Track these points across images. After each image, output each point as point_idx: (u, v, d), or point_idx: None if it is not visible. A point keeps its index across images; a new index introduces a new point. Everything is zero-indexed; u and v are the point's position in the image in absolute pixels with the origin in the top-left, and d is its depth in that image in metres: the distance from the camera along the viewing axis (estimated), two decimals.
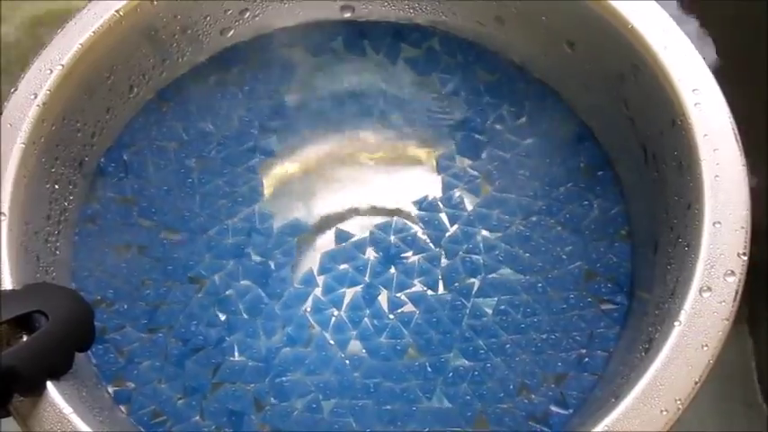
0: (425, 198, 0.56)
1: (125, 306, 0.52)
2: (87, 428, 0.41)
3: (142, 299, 0.52)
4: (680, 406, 0.40)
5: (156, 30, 0.54)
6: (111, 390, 0.50)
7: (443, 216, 0.55)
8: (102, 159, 0.56)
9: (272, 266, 0.54)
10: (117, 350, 0.51)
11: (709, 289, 0.42)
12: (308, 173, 0.57)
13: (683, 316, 0.42)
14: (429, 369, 0.50)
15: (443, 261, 0.54)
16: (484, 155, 0.57)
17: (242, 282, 0.53)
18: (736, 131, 0.46)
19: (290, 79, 0.60)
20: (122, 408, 0.49)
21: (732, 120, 0.46)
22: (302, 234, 0.55)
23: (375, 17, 0.60)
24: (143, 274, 0.53)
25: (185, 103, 0.58)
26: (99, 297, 0.52)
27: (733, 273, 0.42)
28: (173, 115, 0.58)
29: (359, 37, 0.60)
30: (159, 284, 0.53)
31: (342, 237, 0.55)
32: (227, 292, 0.52)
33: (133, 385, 0.50)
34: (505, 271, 0.53)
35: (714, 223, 0.43)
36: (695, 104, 0.46)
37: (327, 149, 0.58)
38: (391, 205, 0.56)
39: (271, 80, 0.59)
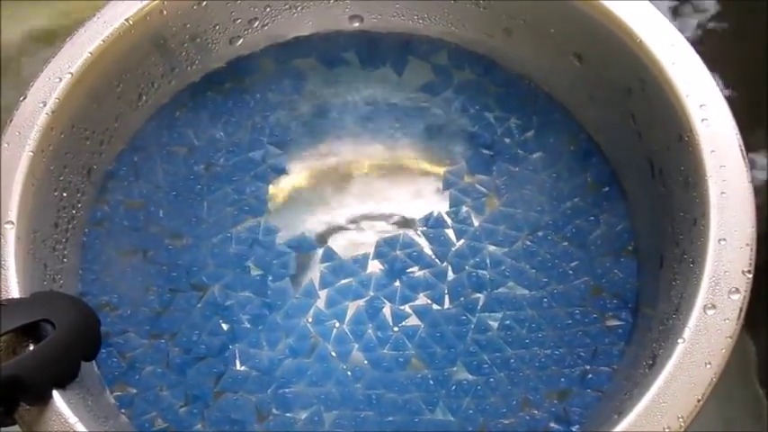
0: (432, 213, 0.56)
1: (129, 311, 0.52)
2: None
3: (146, 305, 0.53)
4: (682, 423, 0.40)
5: (166, 38, 0.54)
6: (113, 394, 0.50)
7: (450, 231, 0.55)
8: (113, 163, 0.56)
9: (271, 278, 0.54)
10: (120, 355, 0.51)
11: (714, 306, 0.42)
12: (316, 184, 0.57)
13: (686, 333, 0.42)
14: (431, 382, 0.50)
15: (449, 276, 0.54)
16: (491, 169, 0.57)
17: (243, 293, 0.53)
18: (743, 148, 0.46)
19: (301, 89, 0.60)
20: (124, 413, 0.49)
21: (739, 136, 0.46)
22: (305, 246, 0.55)
23: (384, 28, 0.60)
24: (148, 280, 0.53)
25: (198, 110, 0.58)
26: (104, 301, 0.52)
27: (737, 290, 0.42)
28: (185, 121, 0.58)
29: (369, 48, 0.60)
30: (163, 291, 0.53)
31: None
32: (228, 302, 0.53)
33: (135, 391, 0.50)
34: (511, 286, 0.53)
35: (719, 240, 0.43)
36: (702, 120, 0.46)
37: (335, 161, 0.58)
38: (398, 219, 0.56)
39: (283, 90, 0.59)
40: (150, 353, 0.51)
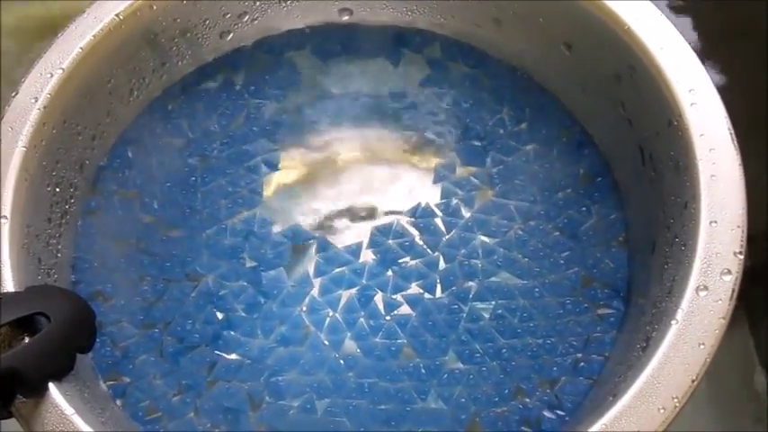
0: (425, 203, 0.56)
1: (122, 301, 0.52)
2: (89, 429, 0.41)
3: (139, 294, 0.53)
4: (677, 404, 0.40)
5: (156, 33, 0.55)
6: (106, 383, 0.50)
7: (442, 221, 0.55)
8: (107, 154, 0.56)
9: (265, 268, 0.54)
10: (113, 344, 0.51)
11: (706, 288, 0.42)
12: (310, 175, 0.58)
13: (679, 314, 0.42)
14: (423, 371, 0.50)
15: (441, 265, 0.54)
16: (484, 160, 0.57)
17: (237, 282, 0.53)
18: (732, 131, 0.46)
19: (295, 81, 0.60)
20: (118, 402, 0.49)
21: (728, 119, 0.46)
22: (300, 236, 0.55)
23: (374, 21, 0.60)
24: (141, 270, 0.53)
25: (192, 102, 0.59)
26: (97, 290, 0.53)
27: (729, 271, 0.42)
28: (179, 112, 0.58)
29: (363, 41, 0.61)
30: (157, 281, 0.53)
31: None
32: (223, 292, 0.53)
33: (128, 380, 0.50)
34: (503, 275, 0.53)
35: (711, 222, 0.44)
36: (691, 104, 0.47)
37: (329, 152, 0.58)
38: (391, 210, 0.56)
39: (277, 82, 0.60)
40: (143, 342, 0.51)
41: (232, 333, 0.52)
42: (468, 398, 0.49)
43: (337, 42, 0.61)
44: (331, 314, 0.52)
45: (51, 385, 0.42)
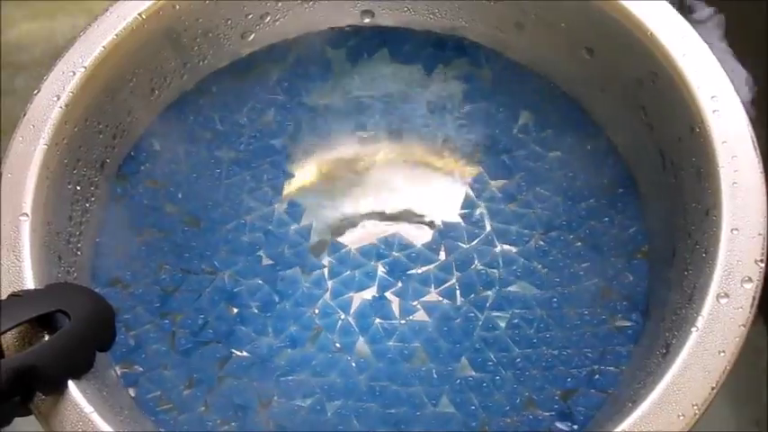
0: (446, 209, 0.56)
1: (140, 289, 0.53)
2: (108, 428, 0.41)
3: (158, 283, 0.53)
4: (697, 411, 0.40)
5: (178, 33, 0.55)
6: (119, 371, 0.50)
7: (463, 229, 0.55)
8: (135, 144, 0.56)
9: (281, 268, 0.54)
10: (127, 331, 0.51)
11: (727, 295, 0.42)
12: (332, 176, 0.58)
13: (700, 322, 0.42)
14: (435, 376, 0.50)
15: (460, 272, 0.54)
16: (509, 169, 0.57)
17: (254, 279, 0.53)
18: (755, 138, 0.46)
19: (328, 80, 0.60)
20: (131, 391, 0.50)
21: (750, 127, 0.46)
22: (318, 237, 0.55)
23: (395, 23, 0.60)
24: (161, 259, 0.54)
25: (225, 95, 0.59)
26: (117, 276, 0.53)
27: (750, 279, 0.42)
28: (211, 105, 0.59)
29: (397, 44, 0.61)
30: (175, 270, 0.53)
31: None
32: (238, 288, 0.53)
33: (141, 369, 0.51)
34: (522, 285, 0.53)
35: (732, 230, 0.43)
36: (713, 111, 0.46)
37: (353, 154, 0.59)
38: (411, 215, 0.56)
39: (311, 79, 0.60)
40: (157, 332, 0.52)
41: (245, 330, 0.52)
42: (479, 406, 0.49)
43: (373, 44, 0.61)
44: (343, 317, 0.53)
45: (70, 383, 0.42)
